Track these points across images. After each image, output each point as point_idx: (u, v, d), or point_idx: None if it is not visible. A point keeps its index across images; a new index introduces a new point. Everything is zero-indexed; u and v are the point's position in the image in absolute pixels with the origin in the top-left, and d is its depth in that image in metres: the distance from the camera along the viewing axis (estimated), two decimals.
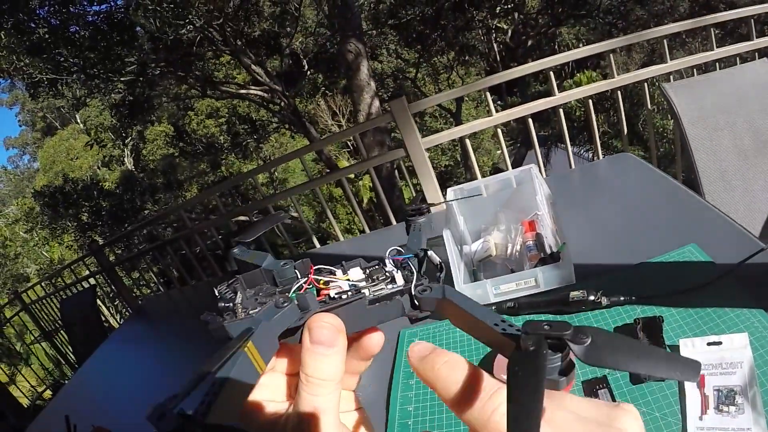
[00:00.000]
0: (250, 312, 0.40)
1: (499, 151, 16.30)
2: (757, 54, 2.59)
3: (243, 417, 0.39)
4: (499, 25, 12.22)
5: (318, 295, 0.41)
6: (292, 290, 0.42)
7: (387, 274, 0.42)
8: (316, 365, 0.36)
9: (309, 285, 0.42)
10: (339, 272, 0.43)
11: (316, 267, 0.43)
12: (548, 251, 1.06)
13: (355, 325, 0.39)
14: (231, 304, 0.42)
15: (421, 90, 15.03)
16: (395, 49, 14.66)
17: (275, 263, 0.46)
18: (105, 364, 2.41)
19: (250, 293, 0.44)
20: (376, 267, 0.43)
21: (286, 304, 0.38)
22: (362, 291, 0.40)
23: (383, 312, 0.39)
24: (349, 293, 0.40)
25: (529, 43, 12.11)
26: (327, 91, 14.01)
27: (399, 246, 0.45)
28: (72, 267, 5.09)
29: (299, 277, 0.44)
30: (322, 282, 0.42)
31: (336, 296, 0.40)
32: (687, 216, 1.23)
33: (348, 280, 0.42)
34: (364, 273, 0.43)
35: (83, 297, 4.24)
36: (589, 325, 0.97)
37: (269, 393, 0.41)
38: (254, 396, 0.40)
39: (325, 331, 0.37)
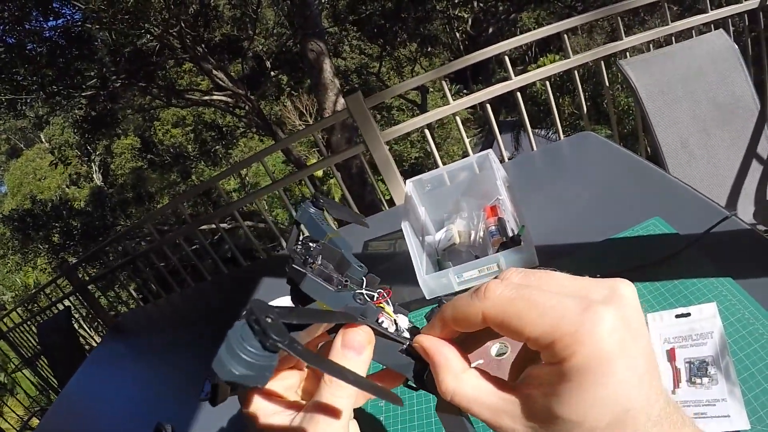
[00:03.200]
0: (336, 287, 0.44)
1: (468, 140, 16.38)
2: (713, 26, 2.62)
3: (248, 404, 0.41)
4: (459, 14, 12.26)
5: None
6: (364, 294, 0.45)
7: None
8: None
9: (379, 302, 0.45)
10: (390, 308, 0.46)
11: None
12: (510, 235, 1.05)
13: (377, 357, 0.42)
14: (312, 262, 0.44)
15: (386, 84, 15.04)
16: (358, 45, 14.66)
17: (352, 258, 0.48)
18: (86, 385, 2.37)
19: (320, 263, 0.46)
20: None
21: (362, 304, 0.43)
22: (403, 336, 0.43)
23: (398, 361, 0.43)
24: (391, 332, 0.43)
25: (491, 30, 12.19)
26: (292, 92, 13.94)
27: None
28: (46, 290, 4.99)
29: (365, 283, 0.47)
30: (384, 308, 0.45)
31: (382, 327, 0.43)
32: (650, 190, 1.23)
33: (395, 321, 0.45)
34: (408, 324, 0.46)
35: (59, 320, 4.18)
36: None
37: (282, 386, 0.44)
38: (268, 385, 0.41)
39: (359, 338, 0.40)
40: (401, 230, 1.09)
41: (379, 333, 0.42)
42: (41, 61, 7.44)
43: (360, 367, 0.39)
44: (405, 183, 1.35)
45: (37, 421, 5.91)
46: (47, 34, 7.77)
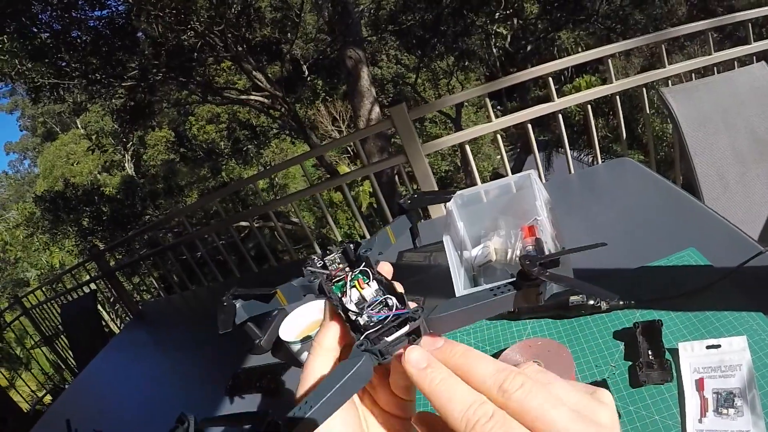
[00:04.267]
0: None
1: (498, 156, 16.31)
2: (755, 57, 2.60)
3: None
4: (498, 30, 12.25)
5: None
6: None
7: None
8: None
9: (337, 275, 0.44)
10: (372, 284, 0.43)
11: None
12: None
13: None
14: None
15: (421, 95, 15.07)
16: (395, 55, 14.72)
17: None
18: (105, 369, 2.40)
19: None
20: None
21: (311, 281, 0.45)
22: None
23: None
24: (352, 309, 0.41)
25: (529, 48, 12.15)
26: (327, 97, 14.04)
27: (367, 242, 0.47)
28: (72, 272, 5.08)
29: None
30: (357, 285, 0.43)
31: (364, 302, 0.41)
32: (686, 220, 1.24)
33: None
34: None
35: (84, 302, 4.23)
36: (589, 329, 0.98)
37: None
38: None
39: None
40: (437, 243, 1.11)
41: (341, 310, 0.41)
42: (85, 48, 7.59)
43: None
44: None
45: (50, 398, 6.01)
46: (92, 24, 7.94)
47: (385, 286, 0.42)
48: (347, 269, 0.45)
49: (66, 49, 7.47)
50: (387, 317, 0.39)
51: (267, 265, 3.71)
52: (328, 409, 0.35)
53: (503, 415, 0.33)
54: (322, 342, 0.41)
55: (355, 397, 0.42)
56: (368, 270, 0.43)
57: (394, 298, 0.40)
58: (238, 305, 0.48)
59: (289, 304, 0.48)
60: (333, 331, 0.42)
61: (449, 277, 1.09)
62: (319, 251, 0.46)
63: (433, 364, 0.37)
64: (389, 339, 0.38)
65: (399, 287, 0.42)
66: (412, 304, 0.40)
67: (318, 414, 0.34)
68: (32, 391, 6.61)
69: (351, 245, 0.47)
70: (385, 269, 0.45)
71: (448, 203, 1.24)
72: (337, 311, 0.41)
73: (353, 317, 0.40)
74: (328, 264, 0.46)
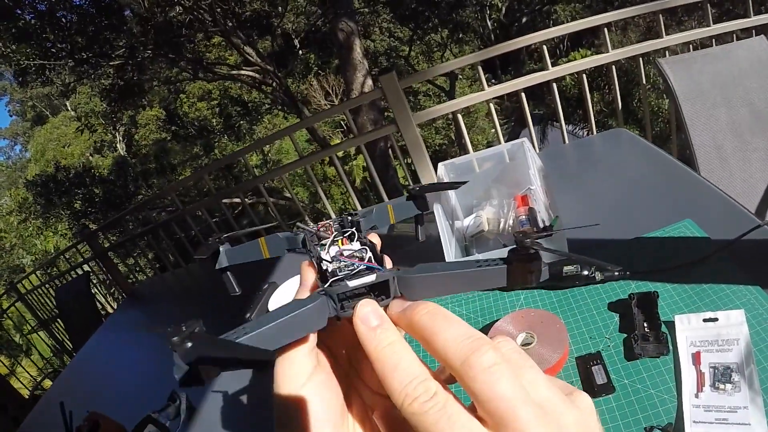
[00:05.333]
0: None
1: (493, 130, 16.27)
2: (754, 31, 2.57)
3: None
4: (492, 1, 12.12)
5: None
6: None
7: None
8: None
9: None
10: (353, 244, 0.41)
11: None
12: (541, 225, 1.04)
13: None
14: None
15: (414, 69, 14.98)
16: (388, 27, 14.57)
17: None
18: (100, 350, 2.42)
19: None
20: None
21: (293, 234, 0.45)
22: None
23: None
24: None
25: (524, 20, 12.05)
26: (319, 71, 13.93)
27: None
28: (66, 255, 5.06)
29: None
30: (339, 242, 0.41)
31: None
32: (682, 191, 1.22)
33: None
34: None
35: (77, 284, 4.24)
36: (583, 300, 0.96)
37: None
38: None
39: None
40: (428, 213, 1.09)
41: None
42: (71, 28, 7.51)
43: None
44: (436, 166, 1.34)
45: (50, 383, 6.05)
46: (77, 2, 7.85)
47: (369, 249, 0.39)
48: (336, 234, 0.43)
49: (51, 29, 7.39)
50: (357, 267, 0.36)
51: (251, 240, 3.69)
52: (263, 341, 0.31)
53: (446, 396, 0.29)
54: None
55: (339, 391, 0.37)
56: (355, 233, 0.41)
57: (370, 253, 0.38)
58: (222, 250, 0.47)
59: (270, 256, 0.47)
60: (303, 293, 0.38)
61: (440, 247, 1.08)
62: (312, 225, 0.44)
63: (385, 325, 0.33)
64: (351, 284, 0.34)
65: (387, 260, 0.38)
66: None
67: (252, 341, 0.30)
68: (32, 376, 6.63)
69: (349, 216, 0.44)
70: (374, 240, 0.41)
71: (439, 171, 1.22)
72: (312, 262, 0.39)
73: (324, 266, 0.38)
74: (320, 228, 0.43)
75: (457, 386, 0.30)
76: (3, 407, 4.24)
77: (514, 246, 0.36)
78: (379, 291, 0.35)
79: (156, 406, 1.32)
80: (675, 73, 1.94)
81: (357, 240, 0.41)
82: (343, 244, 0.41)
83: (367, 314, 0.33)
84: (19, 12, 7.25)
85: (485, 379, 0.28)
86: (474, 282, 0.37)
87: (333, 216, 0.49)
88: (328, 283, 0.35)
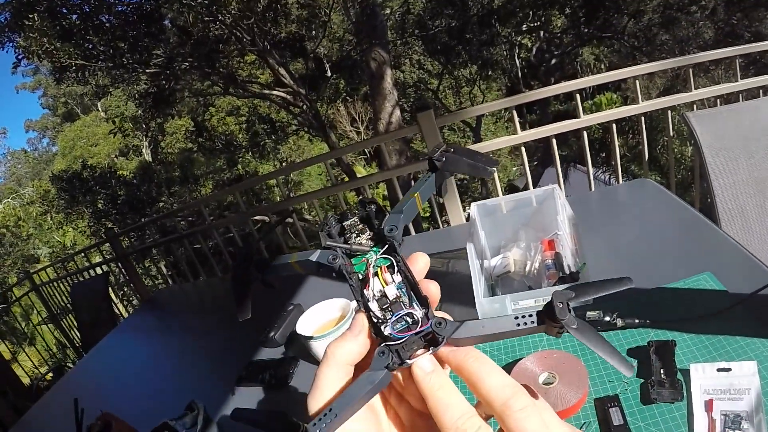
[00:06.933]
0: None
1: (515, 168, 16.30)
2: None
3: None
4: (523, 41, 12.24)
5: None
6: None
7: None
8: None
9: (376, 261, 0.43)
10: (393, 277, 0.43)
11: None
12: (567, 271, 1.08)
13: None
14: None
15: (442, 102, 15.05)
16: (419, 60, 14.70)
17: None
18: (113, 351, 2.41)
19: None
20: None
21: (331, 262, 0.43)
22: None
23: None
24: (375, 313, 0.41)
25: (552, 61, 12.11)
26: (348, 97, 14.04)
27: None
28: (85, 253, 5.12)
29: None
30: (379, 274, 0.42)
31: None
32: (703, 244, 1.26)
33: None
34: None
35: (95, 283, 4.26)
36: None
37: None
38: None
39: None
40: (457, 250, 1.13)
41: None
42: (113, 32, 7.65)
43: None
44: (467, 206, 1.39)
45: (51, 375, 6.07)
46: (120, 8, 7.99)
47: (409, 282, 0.42)
48: (368, 239, 0.44)
49: (94, 31, 7.52)
50: (410, 335, 0.40)
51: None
52: (349, 417, 0.39)
53: (489, 429, 0.37)
54: (336, 354, 0.41)
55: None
56: (392, 258, 0.42)
57: (418, 312, 0.40)
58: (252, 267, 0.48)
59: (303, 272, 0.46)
60: (351, 346, 0.42)
61: (468, 284, 1.11)
62: (340, 238, 0.45)
63: (438, 371, 0.40)
64: (409, 362, 0.40)
65: (432, 289, 0.43)
66: (438, 313, 0.40)
67: (341, 422, 0.38)
68: (34, 365, 6.68)
69: (373, 207, 0.45)
70: (419, 265, 0.44)
71: (472, 211, 1.27)
72: (360, 307, 0.42)
73: (375, 320, 0.41)
74: (346, 228, 0.45)
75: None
76: (3, 392, 4.27)
77: (550, 302, 0.39)
78: (429, 342, 0.40)
79: (169, 414, 1.31)
80: (702, 127, 1.97)
81: (397, 270, 0.42)
82: (383, 277, 0.42)
83: (423, 363, 0.40)
84: (65, 11, 7.43)
85: (519, 417, 0.36)
86: (508, 335, 0.42)
87: (356, 204, 0.47)
88: (385, 344, 0.40)
